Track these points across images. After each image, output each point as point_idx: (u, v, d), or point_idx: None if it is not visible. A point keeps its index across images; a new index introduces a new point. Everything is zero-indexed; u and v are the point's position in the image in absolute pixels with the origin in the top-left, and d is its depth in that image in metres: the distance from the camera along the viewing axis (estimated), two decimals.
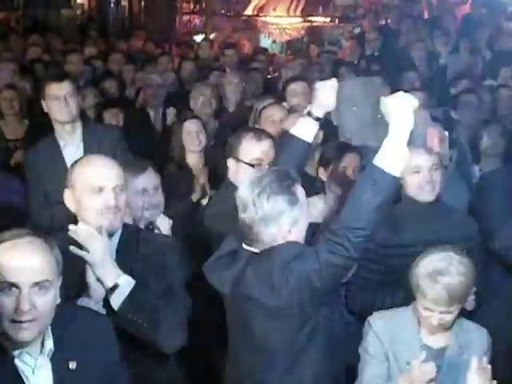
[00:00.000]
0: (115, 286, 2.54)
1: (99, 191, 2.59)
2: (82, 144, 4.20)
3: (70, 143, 4.20)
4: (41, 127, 4.76)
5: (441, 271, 2.75)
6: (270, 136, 3.60)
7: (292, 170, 2.76)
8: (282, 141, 3.30)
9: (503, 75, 7.35)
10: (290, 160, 3.05)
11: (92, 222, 2.58)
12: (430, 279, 2.75)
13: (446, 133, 2.68)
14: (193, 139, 4.71)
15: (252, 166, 3.43)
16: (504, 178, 3.88)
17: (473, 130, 5.26)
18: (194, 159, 4.74)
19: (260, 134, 3.57)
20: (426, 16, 11.58)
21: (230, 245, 2.78)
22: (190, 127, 4.74)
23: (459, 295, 2.77)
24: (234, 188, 2.99)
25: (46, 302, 2.06)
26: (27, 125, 5.82)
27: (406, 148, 2.56)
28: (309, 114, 3.12)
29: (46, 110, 4.25)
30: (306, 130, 3.10)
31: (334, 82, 3.04)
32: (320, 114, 3.10)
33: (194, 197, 4.37)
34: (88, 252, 2.53)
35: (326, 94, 3.03)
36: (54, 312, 2.11)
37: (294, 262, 2.55)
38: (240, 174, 3.44)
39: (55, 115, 4.20)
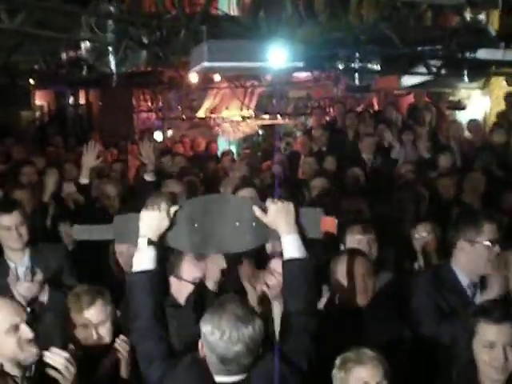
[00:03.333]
0: None
1: None
2: (30, 265, 4.28)
3: (20, 265, 4.31)
4: None
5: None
6: None
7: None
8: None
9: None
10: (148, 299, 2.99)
11: None
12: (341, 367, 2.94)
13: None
14: None
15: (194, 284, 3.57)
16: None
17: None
18: None
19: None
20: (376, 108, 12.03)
21: None
22: None
23: None
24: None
25: None
26: None
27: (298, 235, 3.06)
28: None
29: None
30: (145, 260, 3.04)
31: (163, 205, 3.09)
32: (155, 237, 3.08)
33: None
34: None
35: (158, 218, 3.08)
36: None
37: None
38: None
39: (8, 244, 4.35)
